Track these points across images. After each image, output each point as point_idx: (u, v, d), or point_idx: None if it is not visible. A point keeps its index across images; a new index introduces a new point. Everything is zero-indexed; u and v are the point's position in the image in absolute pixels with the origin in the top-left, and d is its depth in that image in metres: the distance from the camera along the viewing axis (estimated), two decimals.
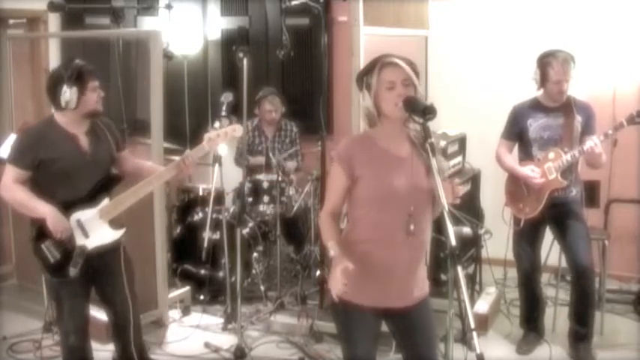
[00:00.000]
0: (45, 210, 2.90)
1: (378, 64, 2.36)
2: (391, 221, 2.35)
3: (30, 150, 2.96)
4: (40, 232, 2.94)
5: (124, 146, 3.27)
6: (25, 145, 3.01)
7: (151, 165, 3.36)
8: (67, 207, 2.96)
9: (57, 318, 3.18)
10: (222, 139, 3.30)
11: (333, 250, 2.33)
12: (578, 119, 3.72)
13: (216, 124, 3.58)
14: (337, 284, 2.22)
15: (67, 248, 2.98)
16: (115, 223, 3.08)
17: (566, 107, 3.74)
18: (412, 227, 2.34)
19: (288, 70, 5.85)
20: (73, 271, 2.96)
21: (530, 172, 3.77)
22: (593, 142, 3.57)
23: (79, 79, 2.98)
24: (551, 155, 3.74)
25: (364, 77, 2.40)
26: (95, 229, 3.02)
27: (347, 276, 2.21)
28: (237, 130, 3.38)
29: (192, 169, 3.27)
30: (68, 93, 2.94)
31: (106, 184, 3.07)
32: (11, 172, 2.97)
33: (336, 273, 2.23)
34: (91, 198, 3.01)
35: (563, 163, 3.70)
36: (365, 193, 2.38)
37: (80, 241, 3.00)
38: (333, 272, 2.26)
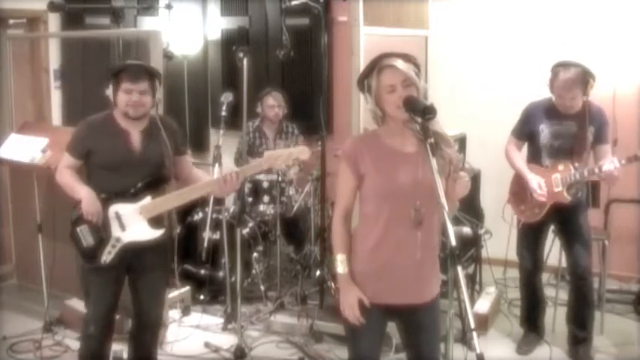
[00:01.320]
0: (83, 192, 3.01)
1: (376, 66, 2.37)
2: (398, 216, 2.36)
3: (82, 140, 3.09)
4: (80, 216, 3.02)
5: (184, 150, 3.26)
6: (78, 135, 3.13)
7: (200, 174, 3.30)
8: (109, 198, 3.03)
9: (85, 305, 3.22)
10: (284, 160, 3.04)
11: (341, 267, 2.43)
12: (591, 130, 3.64)
13: (270, 143, 3.45)
14: (352, 314, 2.39)
15: (101, 236, 3.03)
16: (154, 223, 3.09)
17: (581, 116, 3.62)
18: (420, 222, 2.34)
19: (288, 70, 5.85)
20: (104, 259, 3.02)
21: (537, 187, 3.68)
22: (613, 166, 3.47)
23: (114, 77, 3.03)
24: (561, 167, 3.68)
25: (365, 80, 2.42)
26: (133, 224, 3.05)
27: (360, 306, 2.38)
28: (303, 152, 3.04)
29: (235, 186, 3.08)
30: (108, 90, 3.06)
31: (152, 183, 3.08)
32: (65, 158, 3.15)
33: (349, 300, 2.39)
34: (134, 194, 3.04)
35: (571, 178, 3.64)
36: (371, 190, 2.40)
37: (116, 232, 3.04)
38: (345, 298, 2.41)
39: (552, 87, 3.66)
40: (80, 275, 3.20)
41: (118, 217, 3.04)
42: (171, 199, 3.09)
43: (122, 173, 3.03)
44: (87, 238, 3.05)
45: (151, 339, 3.31)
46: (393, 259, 2.39)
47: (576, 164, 3.65)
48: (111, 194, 3.03)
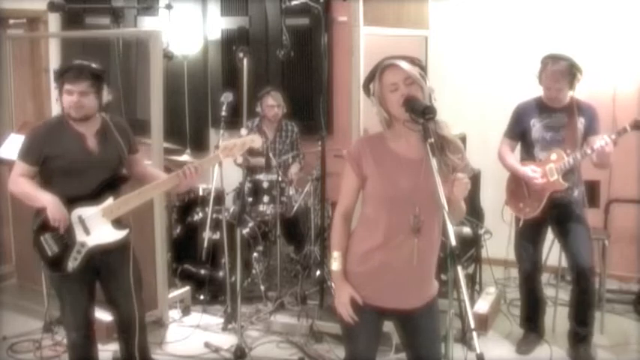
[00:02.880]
0: (46, 199, 2.94)
1: (378, 69, 2.38)
2: (396, 221, 2.36)
3: (36, 146, 3.02)
4: (42, 224, 2.97)
5: (136, 149, 3.26)
6: (32, 141, 3.06)
7: (155, 172, 3.32)
8: (70, 202, 2.98)
9: (60, 314, 3.20)
10: (240, 149, 3.18)
11: (335, 264, 2.45)
12: (581, 121, 3.71)
13: (243, 131, 3.53)
14: (345, 312, 2.41)
15: (66, 243, 2.99)
16: (118, 224, 3.08)
17: (570, 109, 3.72)
18: (419, 229, 2.35)
19: (288, 70, 5.85)
20: (71, 267, 2.98)
21: (530, 172, 3.76)
22: (604, 141, 3.54)
23: (59, 79, 3.00)
24: (554, 156, 3.73)
25: (369, 85, 2.42)
26: (97, 227, 3.02)
27: (353, 304, 2.40)
28: (255, 140, 3.24)
29: (194, 179, 3.12)
30: (57, 92, 3.02)
31: (111, 184, 3.07)
32: (19, 166, 3.05)
33: (342, 299, 2.41)
34: (95, 196, 3.02)
35: (565, 165, 3.69)
36: (372, 192, 2.41)
37: (81, 237, 3.01)
38: (338, 296, 2.44)
39: (541, 78, 3.75)
40: (50, 283, 3.18)
41: (82, 220, 3.00)
42: (133, 199, 3.07)
43: (81, 176, 3.00)
44: (51, 246, 2.99)
45: (140, 337, 3.26)
46: (388, 263, 2.39)
47: (568, 151, 3.70)
48: (71, 198, 2.98)
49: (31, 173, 3.04)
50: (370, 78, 2.42)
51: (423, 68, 2.41)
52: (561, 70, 3.65)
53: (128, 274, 3.17)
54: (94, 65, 3.08)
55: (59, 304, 3.14)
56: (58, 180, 3.01)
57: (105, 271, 3.13)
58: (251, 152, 5.07)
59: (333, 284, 2.51)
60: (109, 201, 3.03)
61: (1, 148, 4.40)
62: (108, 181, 3.06)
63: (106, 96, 3.10)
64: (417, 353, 2.52)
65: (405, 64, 2.34)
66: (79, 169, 3.00)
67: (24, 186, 3.01)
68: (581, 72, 3.68)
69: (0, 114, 4.92)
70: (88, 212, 3.01)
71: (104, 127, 3.10)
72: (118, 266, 3.14)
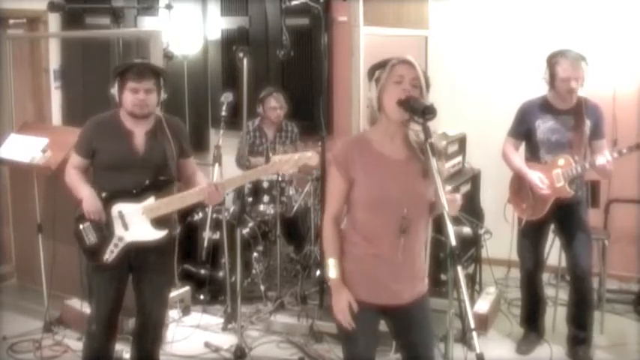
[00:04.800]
0: (84, 192, 3.03)
1: (393, 59, 2.37)
2: (384, 223, 2.37)
3: (88, 139, 3.10)
4: (82, 214, 3.03)
5: (188, 153, 3.26)
6: (85, 133, 3.13)
7: (201, 179, 3.27)
8: (113, 197, 3.04)
9: (89, 304, 3.23)
10: (294, 165, 3.08)
11: (332, 272, 2.43)
12: (587, 123, 3.64)
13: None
14: (343, 318, 2.40)
15: (104, 235, 3.04)
16: (158, 223, 3.09)
17: (577, 110, 3.64)
18: (405, 229, 2.36)
19: (288, 70, 5.84)
20: (107, 258, 3.03)
21: (538, 181, 3.69)
22: (605, 160, 3.51)
23: (120, 76, 3.03)
24: (561, 162, 3.67)
25: (376, 70, 2.41)
26: (136, 223, 3.05)
27: (351, 308, 2.40)
28: (312, 158, 3.08)
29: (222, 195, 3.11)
30: (113, 89, 3.06)
31: (156, 184, 3.09)
32: (72, 158, 3.18)
33: (340, 305, 2.40)
34: (137, 194, 3.05)
35: (572, 172, 3.64)
36: (359, 195, 2.40)
37: (119, 231, 3.05)
38: (336, 301, 2.42)
39: (555, 75, 3.63)
40: (84, 274, 3.21)
41: (121, 216, 3.05)
42: (175, 201, 3.10)
43: (125, 173, 3.04)
44: (89, 236, 3.06)
45: (154, 339, 3.31)
46: (376, 262, 2.40)
47: (576, 157, 3.65)
48: (114, 193, 3.04)
49: (83, 165, 3.13)
50: (380, 65, 2.41)
51: (428, 82, 2.41)
52: (577, 59, 3.57)
53: (162, 276, 3.22)
54: (154, 64, 3.16)
55: (88, 293, 3.19)
56: (103, 174, 3.09)
57: (140, 270, 3.15)
58: (251, 151, 5.11)
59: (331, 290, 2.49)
60: (151, 200, 3.05)
61: (1, 148, 4.40)
62: (152, 180, 3.07)
63: (163, 94, 3.14)
64: (412, 350, 2.52)
65: (419, 69, 2.37)
66: (121, 166, 3.04)
67: (71, 177, 3.11)
68: (586, 62, 3.61)
69: (0, 114, 4.93)
70: (129, 208, 3.05)
71: (157, 126, 3.12)
72: (153, 267, 3.15)
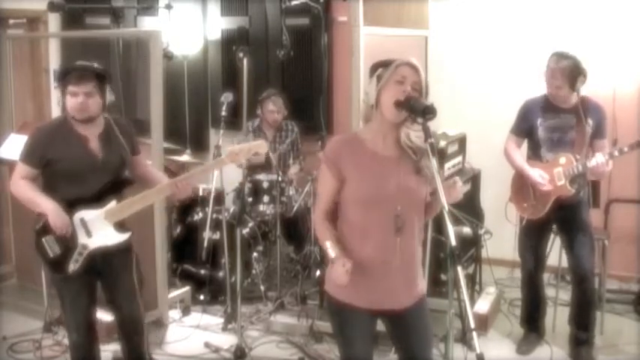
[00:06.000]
0: (47, 206, 2.92)
1: (398, 60, 2.36)
2: (378, 222, 2.35)
3: (38, 149, 3.00)
4: (44, 226, 2.96)
5: (138, 150, 3.24)
6: (34, 143, 3.03)
7: (157, 174, 3.30)
8: (73, 205, 2.97)
9: (61, 315, 3.20)
10: (246, 154, 3.14)
11: (332, 251, 2.35)
12: (589, 122, 3.64)
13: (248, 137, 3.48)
14: (341, 276, 2.26)
15: (68, 245, 2.99)
16: (120, 226, 3.07)
17: (578, 109, 3.64)
18: (400, 228, 2.34)
19: (288, 70, 5.84)
20: (72, 268, 2.98)
21: (539, 178, 3.70)
22: (596, 162, 3.52)
23: (61, 81, 2.99)
24: (562, 160, 3.67)
25: (379, 67, 2.39)
26: (99, 229, 3.01)
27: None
28: (261, 146, 3.18)
29: (188, 190, 3.10)
30: (59, 94, 3.01)
31: (114, 187, 3.06)
32: (20, 169, 3.03)
33: (337, 266, 2.28)
34: (97, 199, 3.01)
35: (574, 170, 3.63)
36: (352, 194, 2.38)
37: (82, 239, 3.00)
38: (333, 267, 2.31)
39: (544, 76, 3.71)
40: (51, 285, 3.17)
41: (84, 223, 2.99)
42: (136, 202, 3.06)
43: (84, 179, 2.98)
44: (53, 248, 2.98)
45: (139, 339, 3.27)
46: (372, 265, 2.37)
47: (577, 156, 3.65)
48: (74, 201, 2.97)
49: (33, 175, 3.02)
50: (385, 63, 2.39)
51: (427, 93, 2.39)
52: (561, 69, 3.59)
53: (130, 276, 3.18)
54: (96, 65, 3.07)
55: (60, 304, 3.14)
56: (60, 183, 3.00)
57: (107, 274, 3.13)
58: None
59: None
60: (112, 204, 3.03)
61: (1, 148, 4.40)
62: (111, 183, 3.05)
63: (109, 96, 3.08)
64: (409, 352, 2.50)
65: (423, 75, 2.36)
66: (82, 172, 2.98)
67: (25, 190, 2.99)
68: (584, 74, 3.60)
69: (0, 114, 4.93)
70: (91, 215, 3.00)
71: (107, 128, 3.09)
72: (120, 269, 3.14)
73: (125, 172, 3.15)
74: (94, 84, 2.97)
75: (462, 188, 2.37)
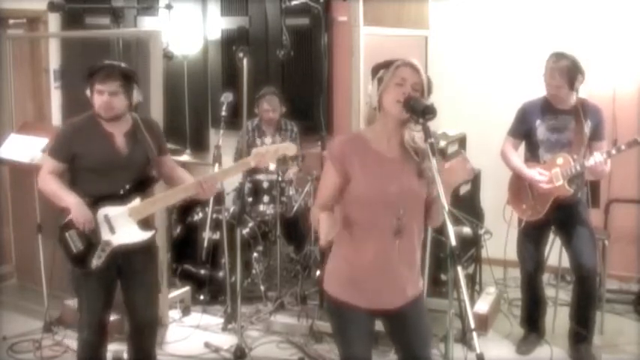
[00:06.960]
0: (70, 201, 2.94)
1: (398, 61, 2.36)
2: (379, 224, 2.35)
3: (66, 144, 3.04)
4: (68, 221, 2.98)
5: (165, 150, 3.25)
6: (62, 138, 3.08)
7: (183, 174, 3.27)
8: (97, 201, 2.99)
9: (77, 310, 3.19)
10: (272, 156, 3.09)
11: (323, 215, 2.26)
12: (588, 124, 3.65)
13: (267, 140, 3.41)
14: (333, 225, 2.22)
15: (91, 240, 3.00)
16: (144, 224, 3.08)
17: (576, 110, 3.66)
18: (400, 230, 2.34)
19: (288, 70, 5.84)
20: (95, 264, 2.99)
21: (537, 175, 3.71)
22: (594, 161, 3.53)
23: (88, 79, 3.02)
24: (560, 161, 3.68)
25: (380, 69, 2.39)
26: (122, 226, 3.02)
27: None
28: (289, 148, 3.12)
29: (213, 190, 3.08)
30: (87, 91, 3.03)
31: (140, 185, 3.07)
32: (47, 163, 3.07)
33: (322, 218, 2.23)
34: (122, 196, 3.02)
35: (572, 171, 3.64)
36: (355, 194, 2.37)
37: (106, 236, 3.01)
38: (321, 219, 2.24)
39: (544, 76, 3.71)
40: (71, 280, 3.17)
41: (108, 220, 3.01)
42: (160, 200, 3.08)
43: (110, 176, 3.00)
44: (76, 243, 3.00)
45: (149, 340, 3.29)
46: (371, 266, 2.37)
47: (575, 156, 3.66)
48: (98, 197, 2.99)
49: (60, 170, 3.05)
50: (384, 64, 2.39)
51: (430, 91, 2.39)
52: (560, 68, 3.60)
53: (151, 276, 3.19)
54: (124, 65, 3.10)
55: (77, 300, 3.15)
56: (85, 178, 3.03)
57: (128, 272, 3.12)
58: (250, 151, 5.09)
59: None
60: (136, 201, 3.03)
61: (1, 148, 4.40)
62: (136, 181, 3.05)
63: (137, 96, 3.09)
64: (408, 351, 2.50)
65: (423, 75, 2.36)
66: (107, 169, 3.01)
67: (51, 184, 3.01)
68: (582, 74, 3.62)
69: (0, 114, 4.93)
70: (115, 211, 3.01)
71: (134, 127, 3.10)
72: (141, 268, 3.14)
73: (151, 170, 3.15)
74: (120, 83, 2.99)
75: (469, 166, 2.37)
